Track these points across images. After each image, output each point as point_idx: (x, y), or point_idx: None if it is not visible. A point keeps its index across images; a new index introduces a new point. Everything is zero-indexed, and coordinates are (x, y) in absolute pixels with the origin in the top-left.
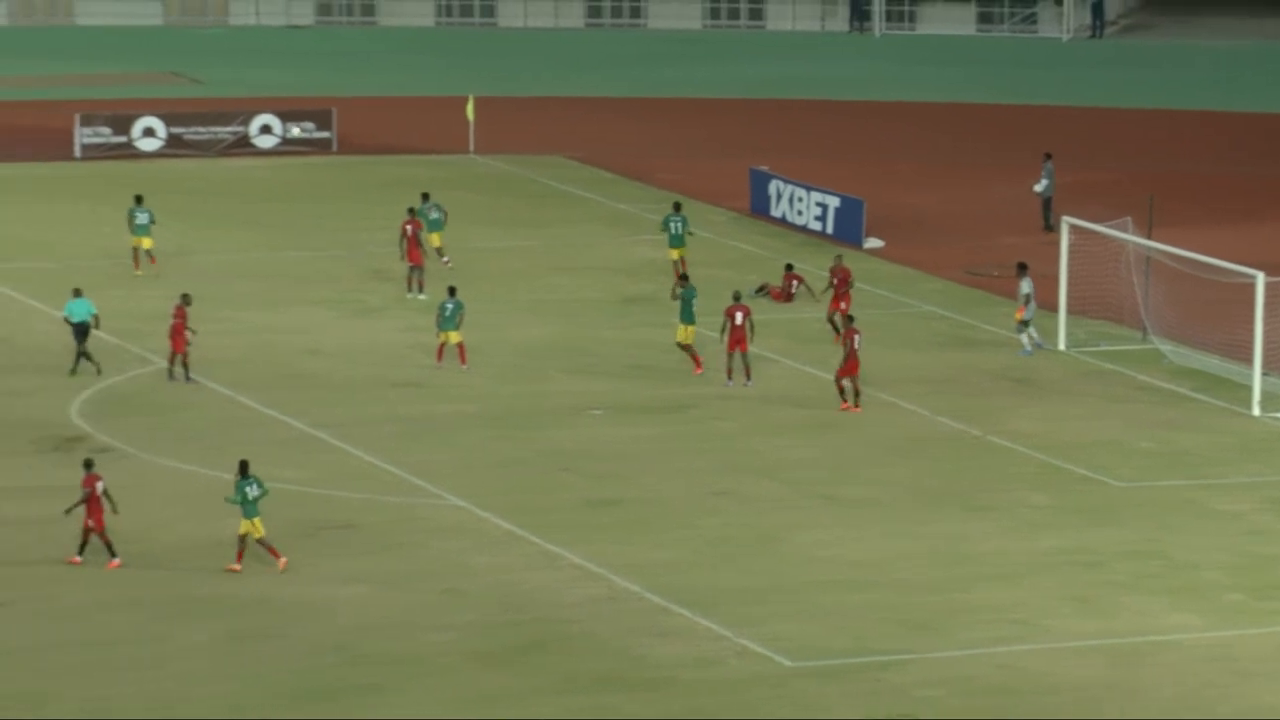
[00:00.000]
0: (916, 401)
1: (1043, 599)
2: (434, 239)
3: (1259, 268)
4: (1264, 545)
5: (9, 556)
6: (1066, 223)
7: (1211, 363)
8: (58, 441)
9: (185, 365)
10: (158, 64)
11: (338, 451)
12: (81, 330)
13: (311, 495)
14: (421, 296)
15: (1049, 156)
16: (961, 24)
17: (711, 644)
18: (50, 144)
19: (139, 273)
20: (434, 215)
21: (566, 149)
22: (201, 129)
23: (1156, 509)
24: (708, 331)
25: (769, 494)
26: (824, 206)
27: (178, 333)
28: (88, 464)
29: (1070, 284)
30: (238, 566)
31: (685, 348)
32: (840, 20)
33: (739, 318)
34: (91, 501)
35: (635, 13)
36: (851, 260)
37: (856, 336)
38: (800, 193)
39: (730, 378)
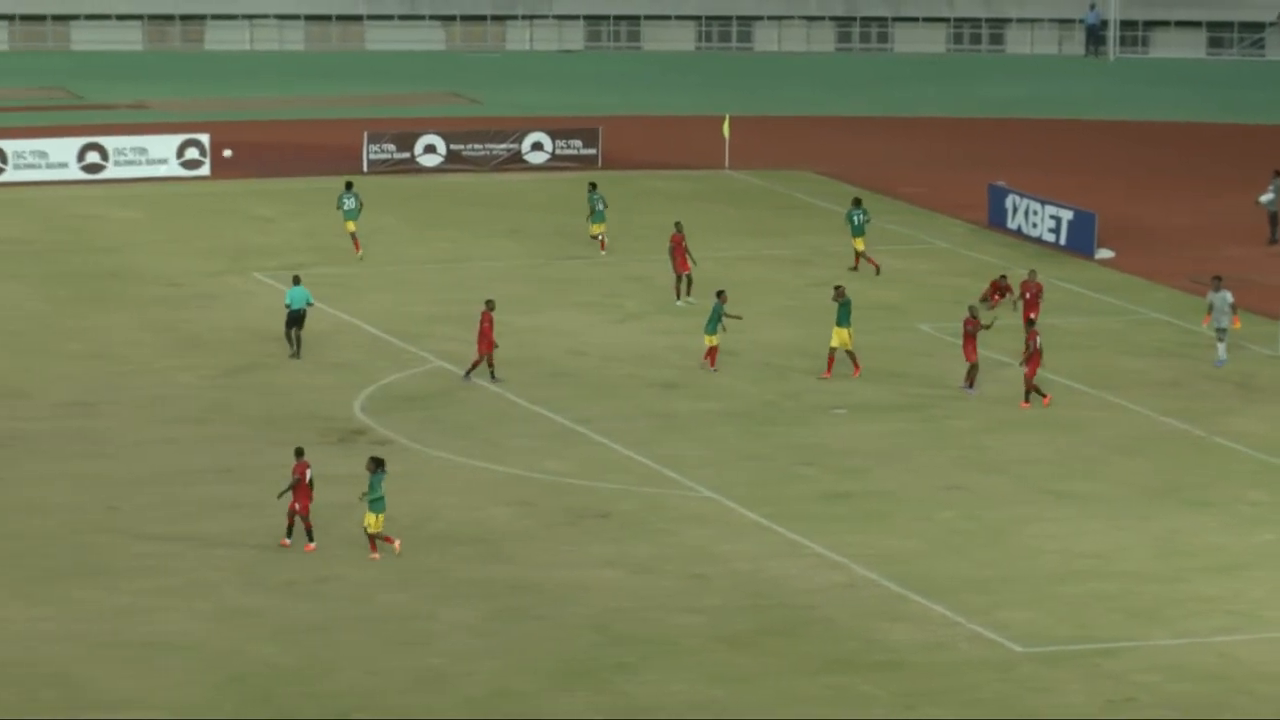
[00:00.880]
0: (1142, 403)
1: (1261, 591)
2: (599, 228)
3: None
4: None
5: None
6: None
7: None
8: (342, 434)
9: (491, 365)
10: (440, 85)
11: (597, 445)
12: (297, 316)
13: (573, 485)
14: (690, 301)
15: (1278, 173)
16: (1192, 48)
17: (944, 629)
18: (340, 159)
19: (359, 254)
20: (599, 207)
21: (815, 164)
22: (478, 146)
23: None
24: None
25: (1000, 489)
26: (1057, 219)
27: (484, 335)
28: (299, 452)
29: None
30: (376, 555)
31: (848, 353)
32: (1077, 44)
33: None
34: (300, 487)
35: (883, 37)
36: (1083, 270)
37: (1038, 338)
38: (1035, 206)
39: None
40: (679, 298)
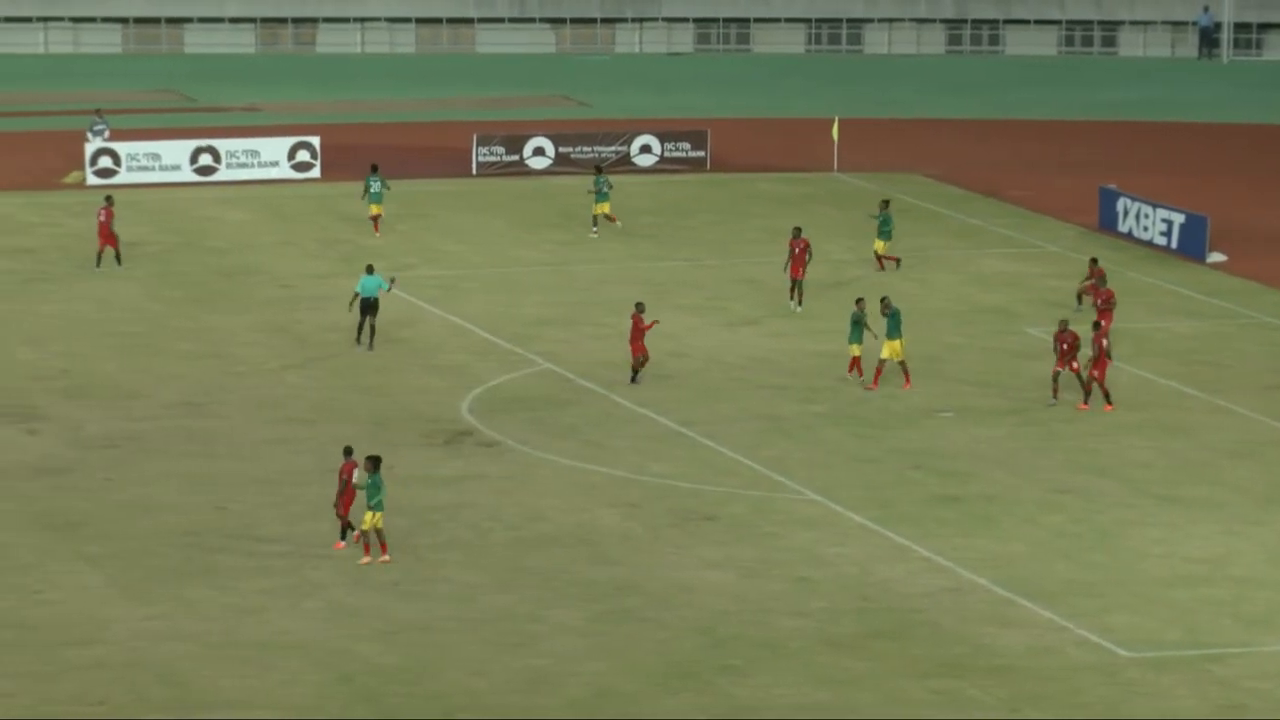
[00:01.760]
0: (1253, 407)
1: None
2: (604, 207)
3: None
4: None
5: (392, 542)
6: None
7: None
8: (448, 435)
9: (636, 369)
10: (549, 88)
11: (702, 447)
12: (370, 304)
13: (678, 488)
14: (798, 309)
15: None
16: None
17: (1051, 634)
18: (449, 162)
19: (378, 235)
20: (604, 190)
21: (923, 167)
22: (586, 148)
23: None
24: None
25: (1108, 493)
26: (1169, 222)
27: (636, 338)
28: (347, 451)
29: None
30: (368, 559)
31: (899, 364)
32: (1190, 47)
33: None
34: (346, 489)
35: (994, 40)
36: (1194, 273)
37: (1105, 340)
38: (1146, 209)
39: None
40: (791, 300)
